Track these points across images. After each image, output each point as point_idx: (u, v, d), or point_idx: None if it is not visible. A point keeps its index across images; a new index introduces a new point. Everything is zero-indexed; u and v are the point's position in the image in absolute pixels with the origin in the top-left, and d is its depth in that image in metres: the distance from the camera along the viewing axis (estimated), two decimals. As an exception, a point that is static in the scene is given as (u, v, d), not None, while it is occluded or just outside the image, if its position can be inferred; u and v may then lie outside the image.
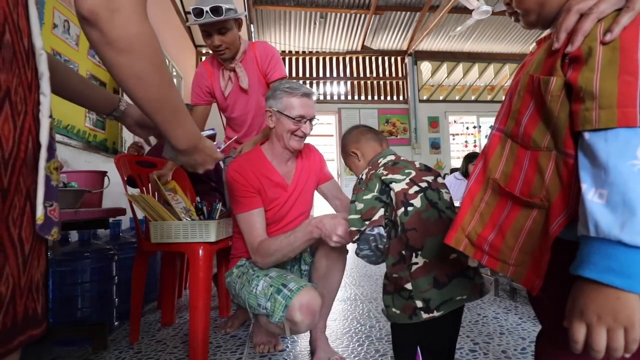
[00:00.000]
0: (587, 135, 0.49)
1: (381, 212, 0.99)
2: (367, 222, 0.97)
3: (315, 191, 1.57)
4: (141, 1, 0.52)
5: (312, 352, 1.45)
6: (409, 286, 0.92)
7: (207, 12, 1.59)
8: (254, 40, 5.78)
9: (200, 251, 1.45)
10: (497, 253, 0.62)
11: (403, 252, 0.95)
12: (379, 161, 1.12)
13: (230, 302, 2.12)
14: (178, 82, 5.04)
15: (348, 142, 1.23)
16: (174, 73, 4.90)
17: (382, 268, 3.54)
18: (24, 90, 0.45)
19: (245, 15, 4.68)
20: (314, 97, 1.40)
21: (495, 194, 0.63)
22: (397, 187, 1.00)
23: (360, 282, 2.89)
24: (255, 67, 1.82)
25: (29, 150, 0.45)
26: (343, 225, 1.11)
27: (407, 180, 1.02)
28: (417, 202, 0.98)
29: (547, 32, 0.67)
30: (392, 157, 1.14)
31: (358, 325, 1.85)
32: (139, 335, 1.72)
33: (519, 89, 0.62)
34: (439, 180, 1.10)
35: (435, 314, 0.89)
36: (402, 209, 0.97)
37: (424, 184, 1.03)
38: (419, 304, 0.90)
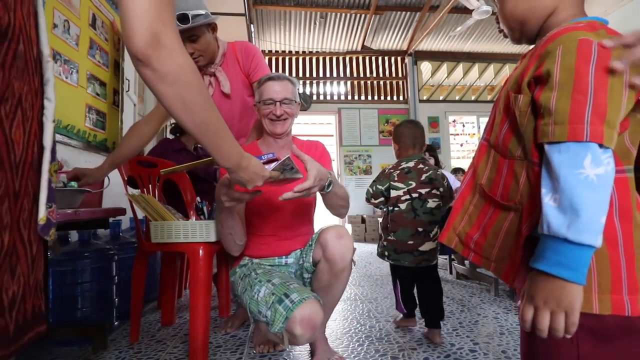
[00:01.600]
0: (545, 147, 0.56)
1: (382, 199, 1.76)
2: (372, 200, 1.77)
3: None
4: (177, 34, 0.59)
5: (312, 353, 1.45)
6: (385, 243, 1.72)
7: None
8: (253, 40, 5.79)
9: (200, 251, 1.45)
10: (480, 250, 0.70)
11: (387, 226, 1.72)
12: (401, 163, 1.76)
13: (231, 302, 2.12)
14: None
15: (395, 135, 1.83)
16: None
17: (382, 268, 3.55)
18: (32, 96, 0.47)
19: (243, 13, 4.68)
20: (288, 82, 1.41)
21: (481, 197, 0.70)
22: (394, 193, 1.72)
23: (360, 282, 2.89)
24: (237, 68, 1.77)
25: (35, 153, 0.48)
26: (226, 188, 1.06)
27: (405, 190, 1.69)
28: (403, 205, 1.69)
29: (531, 47, 0.73)
30: (412, 164, 1.74)
31: (358, 325, 1.85)
32: (139, 335, 1.72)
33: (500, 103, 0.70)
34: (434, 191, 1.68)
35: (392, 262, 1.70)
36: (392, 207, 1.72)
37: (415, 194, 1.68)
38: (386, 254, 1.71)
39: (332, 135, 6.86)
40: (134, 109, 3.36)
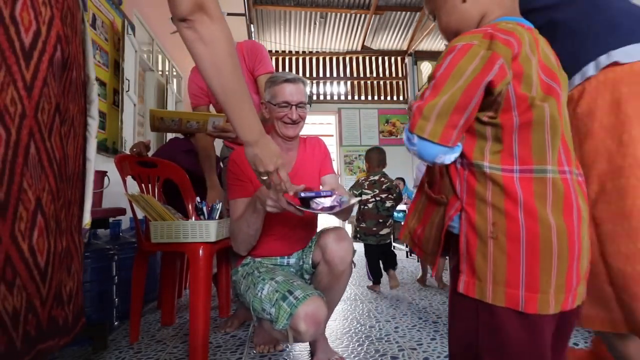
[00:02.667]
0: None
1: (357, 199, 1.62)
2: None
3: None
4: (218, 5, 0.70)
5: (312, 353, 1.45)
6: (358, 229, 2.74)
7: None
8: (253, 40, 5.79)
9: (200, 251, 1.45)
10: (421, 244, 0.74)
11: (359, 218, 2.75)
12: (370, 177, 2.78)
13: (231, 302, 2.12)
14: (178, 82, 5.04)
15: (367, 157, 2.87)
16: (174, 73, 4.91)
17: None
18: (79, 115, 0.54)
19: (243, 13, 4.68)
20: (302, 84, 1.40)
21: (425, 196, 0.74)
22: (364, 196, 2.71)
23: (360, 282, 2.89)
24: (243, 65, 1.81)
25: (80, 166, 0.55)
26: (276, 194, 1.10)
27: (371, 195, 2.70)
28: (370, 205, 2.70)
29: None
30: (376, 178, 2.75)
31: (358, 325, 1.85)
32: (139, 335, 1.72)
33: None
34: (390, 196, 2.70)
35: (362, 242, 2.73)
36: (363, 206, 2.72)
37: (378, 198, 2.69)
38: (359, 236, 2.73)
39: (332, 135, 6.87)
40: (134, 109, 3.36)
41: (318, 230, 1.45)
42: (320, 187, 1.47)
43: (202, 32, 0.69)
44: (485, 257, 0.60)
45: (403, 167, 6.48)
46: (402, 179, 5.28)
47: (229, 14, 4.18)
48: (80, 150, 0.53)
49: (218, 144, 2.33)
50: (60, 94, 0.48)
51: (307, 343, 1.54)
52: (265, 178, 0.96)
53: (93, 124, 0.57)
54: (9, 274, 0.42)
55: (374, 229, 2.65)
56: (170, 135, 4.26)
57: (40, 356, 0.45)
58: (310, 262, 1.35)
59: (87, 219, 0.55)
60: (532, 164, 0.60)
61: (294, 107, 1.36)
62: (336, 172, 1.58)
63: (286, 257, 1.43)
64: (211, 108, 2.01)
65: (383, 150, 2.84)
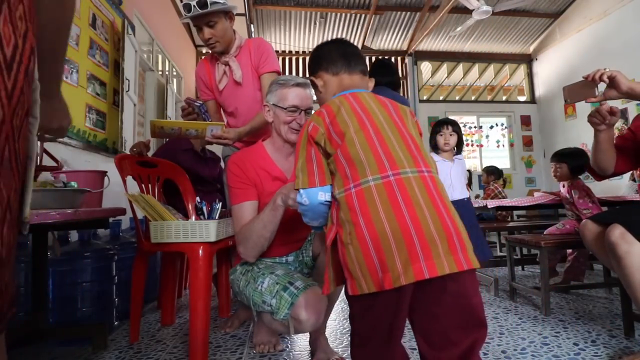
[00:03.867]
0: None
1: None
2: None
3: None
4: None
5: (312, 353, 1.45)
6: None
7: (194, 6, 1.65)
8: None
9: (200, 251, 1.45)
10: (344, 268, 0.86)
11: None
12: None
13: (231, 302, 2.12)
14: (178, 82, 5.04)
15: None
16: (174, 73, 4.90)
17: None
18: (22, 111, 0.54)
19: (243, 13, 4.68)
20: (310, 89, 1.36)
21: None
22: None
23: (360, 282, 2.89)
24: (249, 61, 1.83)
25: (21, 159, 0.55)
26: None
27: None
28: None
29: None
30: None
31: (358, 325, 1.85)
32: (138, 335, 1.72)
33: None
34: None
35: None
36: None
37: None
38: None
39: (332, 135, 6.87)
40: (134, 109, 3.36)
41: None
42: None
43: None
44: (352, 261, 0.76)
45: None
46: None
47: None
48: (16, 142, 0.54)
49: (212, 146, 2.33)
50: (30, 99, 0.53)
51: (307, 343, 1.54)
52: (48, 136, 0.86)
53: (35, 123, 0.59)
54: None
55: None
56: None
57: None
58: (311, 254, 1.36)
59: (26, 212, 0.58)
60: (358, 179, 0.80)
61: (302, 113, 1.34)
62: None
63: (284, 256, 1.43)
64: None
65: None
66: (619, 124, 4.82)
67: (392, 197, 0.76)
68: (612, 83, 1.25)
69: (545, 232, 2.41)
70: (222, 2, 1.69)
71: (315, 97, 1.17)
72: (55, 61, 0.72)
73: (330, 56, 1.01)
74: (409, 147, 0.85)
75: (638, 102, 1.33)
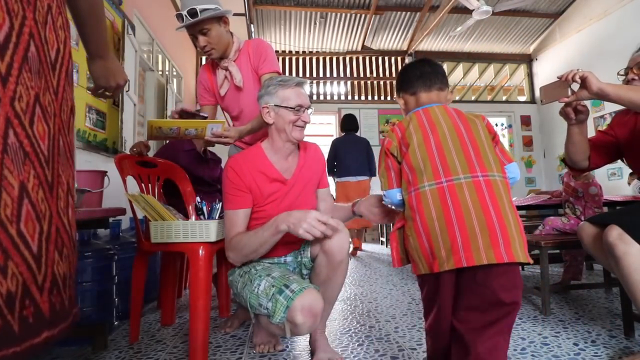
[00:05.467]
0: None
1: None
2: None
3: None
4: None
5: (312, 353, 1.45)
6: None
7: (185, 15, 1.62)
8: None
9: (200, 251, 1.45)
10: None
11: None
12: None
13: (230, 302, 2.12)
14: (178, 82, 5.04)
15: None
16: (174, 73, 4.90)
17: (382, 269, 3.55)
18: (67, 110, 0.63)
19: (243, 13, 4.68)
20: (307, 88, 1.43)
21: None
22: None
23: (360, 282, 2.89)
24: (248, 63, 1.81)
25: (69, 151, 0.64)
26: (309, 220, 1.16)
27: None
28: None
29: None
30: None
31: (358, 325, 1.85)
32: (138, 335, 1.72)
33: None
34: None
35: None
36: None
37: None
38: None
39: (332, 135, 6.86)
40: (134, 109, 3.36)
41: None
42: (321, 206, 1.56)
43: None
44: (412, 248, 0.99)
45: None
46: None
47: (229, 14, 4.18)
48: (67, 136, 0.60)
49: (214, 147, 2.32)
50: (72, 97, 0.60)
51: (307, 343, 1.55)
52: (109, 94, 1.02)
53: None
54: (59, 243, 0.49)
55: None
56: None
57: (75, 319, 0.51)
58: (309, 255, 1.36)
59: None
60: (417, 184, 1.00)
61: (307, 111, 1.38)
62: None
63: (283, 256, 1.43)
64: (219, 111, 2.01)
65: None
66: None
67: (443, 200, 0.95)
68: (584, 83, 1.26)
69: (544, 221, 2.28)
70: (213, 7, 1.64)
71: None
72: (97, 25, 0.84)
73: (409, 78, 1.16)
74: (467, 155, 0.99)
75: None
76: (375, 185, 5.41)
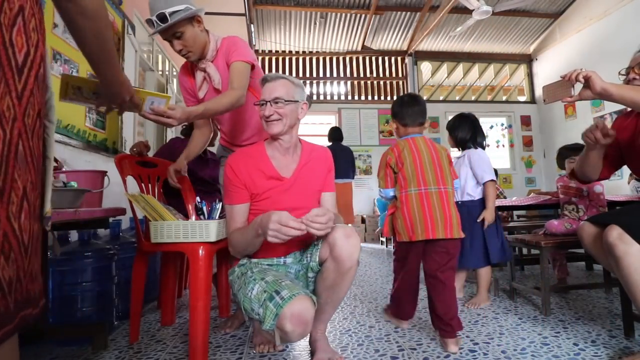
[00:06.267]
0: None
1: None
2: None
3: None
4: None
5: (312, 353, 1.45)
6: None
7: (155, 21, 1.55)
8: (253, 40, 5.79)
9: (200, 251, 1.45)
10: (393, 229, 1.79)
11: None
12: None
13: (230, 302, 2.12)
14: (178, 82, 5.04)
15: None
16: (174, 73, 4.90)
17: (382, 269, 3.55)
18: (36, 115, 0.60)
19: (243, 13, 4.68)
20: (285, 80, 1.40)
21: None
22: None
23: (360, 282, 2.89)
24: (224, 62, 1.73)
25: (41, 163, 0.62)
26: (272, 224, 1.15)
27: None
28: None
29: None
30: None
31: (358, 325, 1.85)
32: (138, 335, 1.72)
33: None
34: None
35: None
36: None
37: None
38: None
39: (332, 135, 6.86)
40: (134, 109, 3.35)
41: None
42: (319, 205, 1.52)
43: (82, 5, 0.71)
44: (399, 225, 1.64)
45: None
46: None
47: (229, 14, 4.17)
48: (29, 141, 0.61)
49: (214, 147, 2.32)
50: (42, 102, 0.60)
51: (307, 343, 1.54)
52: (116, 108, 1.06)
53: (51, 127, 0.66)
54: (6, 248, 0.51)
55: None
56: (170, 135, 4.26)
57: (23, 322, 0.54)
58: (317, 259, 1.33)
59: (47, 207, 0.65)
60: (407, 188, 1.64)
61: (268, 104, 1.35)
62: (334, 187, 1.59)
63: (282, 257, 1.42)
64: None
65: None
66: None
67: (421, 200, 1.62)
68: (587, 83, 1.25)
69: (547, 225, 2.24)
70: (182, 8, 1.55)
71: (297, 89, 1.42)
72: (104, 56, 0.84)
73: (402, 113, 1.75)
74: (436, 174, 1.64)
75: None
76: (356, 188, 5.51)
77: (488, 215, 2.12)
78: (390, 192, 1.72)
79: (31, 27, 0.56)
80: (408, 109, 1.72)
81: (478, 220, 2.15)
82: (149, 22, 1.58)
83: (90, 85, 1.07)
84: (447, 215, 1.58)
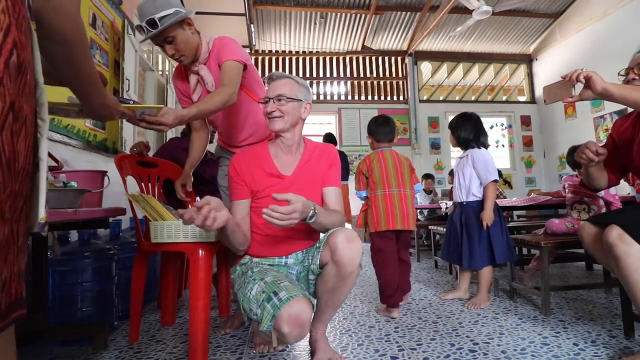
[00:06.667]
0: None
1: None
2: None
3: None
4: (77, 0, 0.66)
5: (312, 353, 1.45)
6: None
7: (145, 27, 1.53)
8: (253, 40, 5.79)
9: (200, 251, 1.45)
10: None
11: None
12: None
13: (231, 302, 2.12)
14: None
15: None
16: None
17: (382, 268, 3.50)
18: (31, 116, 0.56)
19: (243, 13, 4.67)
20: (289, 79, 1.42)
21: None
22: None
23: (360, 283, 2.89)
24: (216, 64, 1.71)
25: (30, 164, 0.57)
26: (211, 213, 1.12)
27: None
28: None
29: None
30: None
31: (358, 325, 1.85)
32: (139, 335, 1.72)
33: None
34: None
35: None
36: None
37: None
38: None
39: (332, 135, 6.86)
40: (134, 109, 3.34)
41: (327, 234, 1.43)
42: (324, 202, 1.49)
43: (49, 30, 0.64)
44: (370, 219, 2.10)
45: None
46: None
47: (229, 14, 4.17)
48: (31, 149, 0.56)
49: (212, 144, 2.31)
50: (15, 93, 0.52)
51: (307, 343, 1.54)
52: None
53: (44, 125, 0.60)
54: None
55: None
56: (170, 135, 4.26)
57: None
58: (318, 262, 1.33)
59: (42, 213, 0.59)
60: (376, 190, 2.11)
61: (271, 101, 1.37)
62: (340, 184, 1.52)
63: (283, 257, 1.42)
64: None
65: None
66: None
67: (385, 200, 2.05)
68: (588, 84, 1.25)
69: (547, 224, 2.24)
70: (172, 12, 1.52)
71: (300, 88, 1.43)
72: (79, 81, 0.78)
73: (377, 131, 2.19)
74: (398, 179, 2.09)
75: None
76: (352, 187, 5.58)
77: (486, 216, 2.12)
78: (363, 194, 2.17)
79: (0, 9, 0.50)
80: (381, 128, 2.18)
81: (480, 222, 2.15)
82: (139, 28, 1.55)
83: (73, 107, 1.02)
84: (404, 212, 2.05)
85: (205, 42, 1.70)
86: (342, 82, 6.95)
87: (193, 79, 1.75)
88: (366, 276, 3.12)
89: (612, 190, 2.16)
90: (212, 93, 1.58)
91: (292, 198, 1.16)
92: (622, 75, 1.54)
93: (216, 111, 1.57)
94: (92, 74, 0.80)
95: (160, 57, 4.45)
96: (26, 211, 0.55)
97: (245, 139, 1.85)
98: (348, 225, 5.52)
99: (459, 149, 2.38)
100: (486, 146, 2.30)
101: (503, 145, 7.10)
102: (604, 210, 2.17)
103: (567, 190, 2.35)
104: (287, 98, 1.37)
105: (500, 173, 4.54)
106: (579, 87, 1.30)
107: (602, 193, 2.18)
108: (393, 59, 7.05)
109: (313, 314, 1.22)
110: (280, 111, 1.36)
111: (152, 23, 1.51)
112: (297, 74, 6.76)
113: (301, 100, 1.41)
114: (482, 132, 2.29)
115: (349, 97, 6.92)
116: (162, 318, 1.95)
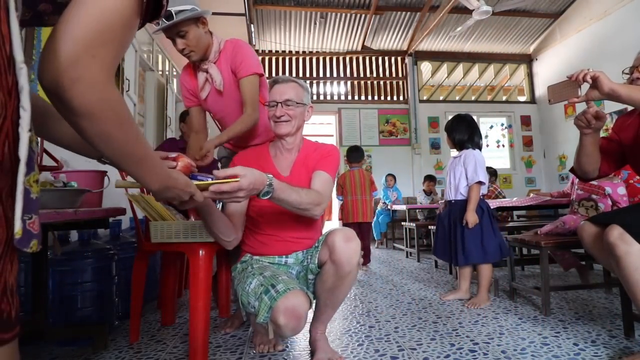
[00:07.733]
0: None
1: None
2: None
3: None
4: (106, 67, 0.51)
5: (312, 353, 1.45)
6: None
7: (161, 18, 1.59)
8: (253, 40, 5.79)
9: (200, 251, 1.45)
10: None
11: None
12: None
13: (231, 302, 2.12)
14: (178, 82, 5.04)
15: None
16: (175, 73, 4.90)
17: (382, 268, 3.55)
18: (3, 95, 0.44)
19: (243, 13, 4.67)
20: (295, 84, 1.44)
21: None
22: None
23: (360, 283, 2.89)
24: (228, 65, 1.75)
25: (8, 160, 0.45)
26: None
27: None
28: None
29: None
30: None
31: (358, 325, 1.85)
32: (139, 335, 1.72)
33: None
34: None
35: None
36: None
37: None
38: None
39: (332, 135, 6.86)
40: (134, 109, 3.36)
41: (324, 231, 1.44)
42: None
43: (71, 104, 0.51)
44: (344, 214, 3.70)
45: (403, 166, 6.54)
46: (393, 175, 5.51)
47: (229, 14, 4.17)
48: (5, 137, 0.45)
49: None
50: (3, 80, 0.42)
51: (307, 343, 1.55)
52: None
53: (25, 116, 0.46)
54: None
55: None
56: (169, 135, 4.26)
57: None
58: (317, 261, 1.34)
59: (17, 227, 0.44)
60: (347, 196, 3.66)
61: (279, 105, 1.39)
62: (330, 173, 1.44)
63: (284, 256, 1.43)
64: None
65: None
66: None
67: (353, 203, 3.62)
68: (595, 84, 1.23)
69: (565, 219, 2.20)
70: (189, 8, 1.57)
71: (304, 93, 1.47)
72: (124, 161, 0.64)
73: (352, 157, 3.74)
74: (362, 189, 3.63)
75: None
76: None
77: (469, 217, 2.15)
78: (340, 198, 3.66)
79: None
80: (354, 154, 3.71)
81: (464, 223, 2.21)
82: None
83: (136, 185, 0.95)
84: (364, 211, 3.55)
85: (217, 43, 1.75)
86: (342, 82, 6.95)
87: (202, 76, 1.79)
88: (365, 276, 3.13)
89: (621, 190, 2.16)
90: (239, 120, 1.71)
91: (240, 172, 1.03)
92: (627, 74, 1.53)
93: (244, 132, 1.73)
94: (138, 153, 0.64)
95: (160, 57, 4.44)
96: (4, 217, 0.45)
97: (255, 140, 1.89)
98: (336, 224, 5.55)
99: (457, 150, 2.41)
100: (480, 147, 2.33)
101: (503, 145, 7.09)
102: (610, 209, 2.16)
103: (576, 186, 2.33)
104: (296, 103, 1.41)
105: (495, 172, 4.56)
106: (585, 87, 1.29)
107: (609, 190, 2.17)
108: (393, 59, 7.04)
109: (310, 308, 1.22)
110: (288, 115, 1.40)
111: (168, 15, 1.56)
112: (297, 74, 6.76)
113: (305, 105, 1.45)
114: (476, 132, 2.34)
115: (349, 97, 6.92)
116: (162, 318, 1.95)
